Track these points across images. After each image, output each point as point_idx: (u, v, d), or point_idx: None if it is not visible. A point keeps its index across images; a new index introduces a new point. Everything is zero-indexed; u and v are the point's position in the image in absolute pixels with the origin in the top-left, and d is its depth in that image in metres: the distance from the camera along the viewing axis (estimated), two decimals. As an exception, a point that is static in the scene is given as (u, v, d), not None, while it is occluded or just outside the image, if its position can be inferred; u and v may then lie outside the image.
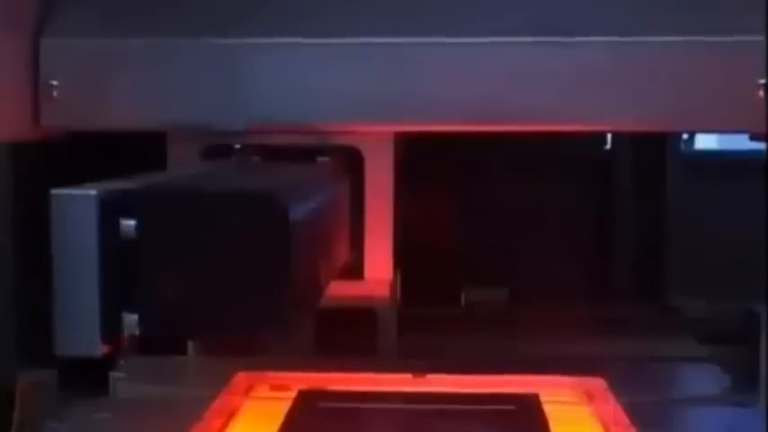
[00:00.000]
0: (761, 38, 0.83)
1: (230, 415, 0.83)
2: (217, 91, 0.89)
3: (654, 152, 1.18)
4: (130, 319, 0.60)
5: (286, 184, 0.73)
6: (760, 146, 0.98)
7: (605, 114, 0.88)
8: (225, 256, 0.59)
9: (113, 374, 0.91)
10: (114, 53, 0.89)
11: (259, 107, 0.89)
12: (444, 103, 0.88)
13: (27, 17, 0.89)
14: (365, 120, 0.89)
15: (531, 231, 1.16)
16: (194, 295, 0.59)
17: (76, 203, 0.58)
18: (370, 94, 0.88)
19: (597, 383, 0.87)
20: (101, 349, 0.59)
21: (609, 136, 1.17)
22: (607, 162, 1.18)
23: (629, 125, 0.91)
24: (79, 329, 0.58)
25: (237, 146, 0.95)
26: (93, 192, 0.58)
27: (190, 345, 0.96)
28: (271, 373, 0.90)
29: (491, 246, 1.14)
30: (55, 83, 0.89)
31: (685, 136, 1.22)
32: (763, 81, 0.85)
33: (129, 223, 0.59)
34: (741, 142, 1.04)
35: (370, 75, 0.88)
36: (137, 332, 0.60)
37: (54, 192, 0.59)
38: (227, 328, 0.60)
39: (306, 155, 0.94)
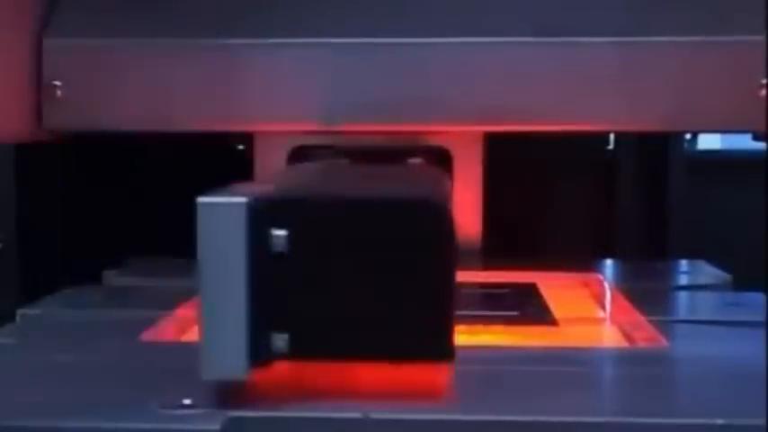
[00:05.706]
0: (761, 38, 0.83)
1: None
2: (219, 93, 0.89)
3: (657, 152, 1.18)
4: (280, 339, 0.54)
5: (430, 186, 0.66)
6: (763, 145, 0.98)
7: (607, 114, 0.88)
8: (384, 268, 0.54)
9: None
10: (117, 54, 0.90)
11: (260, 109, 0.89)
12: (445, 104, 0.88)
13: (30, 18, 0.90)
14: (364, 121, 0.89)
15: (533, 232, 1.16)
16: (350, 312, 0.54)
17: (224, 212, 0.53)
18: (368, 95, 0.88)
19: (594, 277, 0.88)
20: (247, 372, 0.53)
21: (612, 136, 1.17)
22: (610, 162, 1.18)
23: (631, 125, 0.91)
24: (225, 350, 0.53)
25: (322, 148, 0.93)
26: (243, 199, 0.53)
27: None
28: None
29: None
30: (58, 83, 0.89)
31: (688, 136, 1.21)
32: (764, 81, 0.85)
33: (280, 234, 0.54)
34: (744, 142, 1.04)
35: (369, 75, 0.88)
36: (287, 353, 0.54)
37: (200, 200, 0.53)
38: (387, 349, 0.54)
39: (395, 156, 0.90)
